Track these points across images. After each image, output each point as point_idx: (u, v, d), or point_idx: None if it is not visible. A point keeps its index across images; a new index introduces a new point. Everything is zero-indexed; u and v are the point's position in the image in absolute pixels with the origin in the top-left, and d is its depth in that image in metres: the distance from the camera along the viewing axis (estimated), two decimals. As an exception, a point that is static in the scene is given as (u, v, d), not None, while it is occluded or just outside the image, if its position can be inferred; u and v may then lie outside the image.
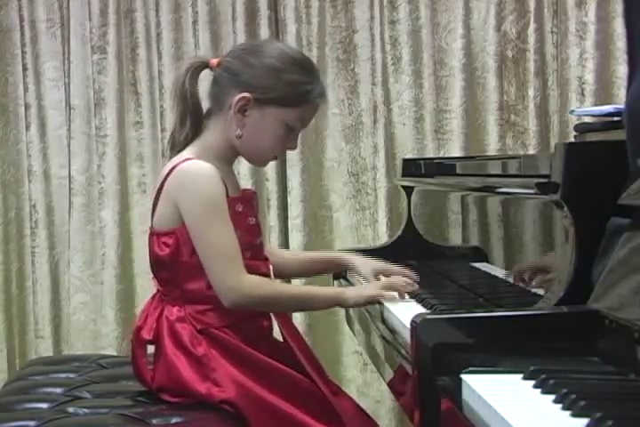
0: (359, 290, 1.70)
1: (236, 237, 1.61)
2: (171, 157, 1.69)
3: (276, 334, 1.73)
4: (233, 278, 1.57)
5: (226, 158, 1.70)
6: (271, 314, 1.69)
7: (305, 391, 1.62)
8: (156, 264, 1.68)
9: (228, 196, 1.62)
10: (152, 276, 1.71)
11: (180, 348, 1.61)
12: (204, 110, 1.72)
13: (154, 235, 1.66)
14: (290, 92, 1.64)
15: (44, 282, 3.06)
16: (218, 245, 1.58)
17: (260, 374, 1.60)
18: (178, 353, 1.61)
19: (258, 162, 1.82)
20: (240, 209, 1.65)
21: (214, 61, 1.69)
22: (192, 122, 1.68)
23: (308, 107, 1.67)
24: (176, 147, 1.69)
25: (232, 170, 1.76)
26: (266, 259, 1.74)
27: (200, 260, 1.59)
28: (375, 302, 1.65)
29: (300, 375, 1.63)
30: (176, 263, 1.63)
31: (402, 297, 1.66)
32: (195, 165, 1.61)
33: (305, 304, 1.75)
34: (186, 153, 1.66)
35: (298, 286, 1.74)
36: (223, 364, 1.59)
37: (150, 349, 1.68)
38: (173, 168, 1.62)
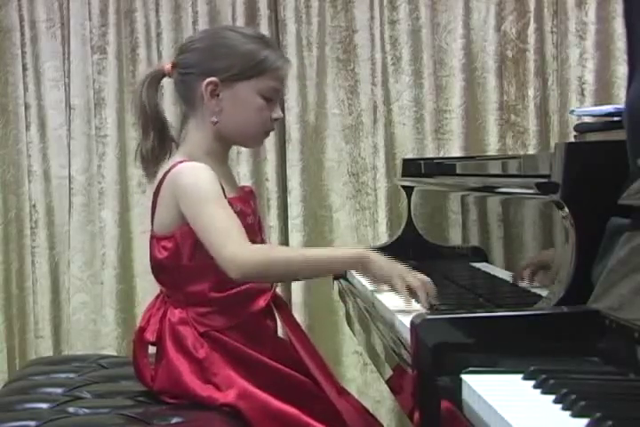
0: (390, 263, 1.57)
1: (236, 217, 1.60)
2: (145, 171, 1.71)
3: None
4: (233, 247, 1.54)
5: (217, 156, 1.70)
6: (275, 314, 1.69)
7: (308, 393, 1.62)
8: (157, 268, 1.67)
9: (225, 196, 1.62)
10: (154, 278, 1.71)
11: (181, 351, 1.61)
12: (182, 115, 1.73)
13: (154, 238, 1.66)
14: (250, 62, 1.65)
15: (44, 282, 3.07)
16: (214, 222, 1.56)
17: (263, 376, 1.60)
18: (179, 356, 1.61)
19: (251, 142, 1.80)
20: (238, 209, 1.65)
21: (168, 66, 1.70)
22: (156, 134, 1.69)
23: (273, 72, 1.68)
24: (145, 160, 1.69)
25: (228, 169, 1.77)
26: None
27: (201, 262, 1.59)
28: (400, 282, 1.51)
29: (302, 377, 1.63)
30: (177, 267, 1.63)
31: (408, 301, 1.58)
32: (188, 165, 1.61)
33: (320, 266, 1.63)
34: (177, 157, 1.66)
35: (311, 248, 1.69)
36: (225, 367, 1.59)
37: (151, 349, 1.68)
38: (167, 172, 1.62)
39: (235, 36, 1.68)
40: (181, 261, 1.62)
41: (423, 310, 1.54)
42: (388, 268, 1.55)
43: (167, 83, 1.77)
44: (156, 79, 1.70)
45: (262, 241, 1.73)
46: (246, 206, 1.69)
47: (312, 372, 1.63)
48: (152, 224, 1.68)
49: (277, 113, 1.70)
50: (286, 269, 1.60)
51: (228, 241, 1.55)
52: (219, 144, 1.70)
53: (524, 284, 1.45)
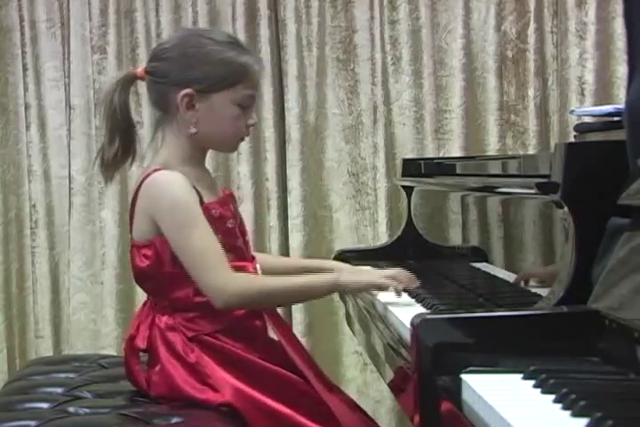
0: (358, 275, 1.67)
1: (217, 240, 1.59)
2: (104, 176, 1.70)
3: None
4: (220, 279, 1.55)
5: (194, 160, 1.68)
6: (263, 314, 1.68)
7: (301, 393, 1.61)
8: (140, 276, 1.67)
9: (203, 203, 1.61)
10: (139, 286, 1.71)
11: (174, 356, 1.61)
12: (155, 119, 1.72)
13: (134, 247, 1.65)
14: (225, 71, 1.63)
15: (43, 282, 3.07)
16: (198, 249, 1.56)
17: (255, 377, 1.60)
18: (173, 361, 1.61)
19: (227, 148, 1.81)
20: (217, 214, 1.63)
21: (140, 71, 1.68)
22: (122, 139, 1.67)
23: (249, 79, 1.65)
24: (105, 165, 1.68)
25: (205, 171, 1.74)
26: (252, 258, 1.73)
27: (183, 268, 1.58)
28: (375, 289, 1.64)
29: (294, 376, 1.63)
30: (159, 274, 1.62)
31: (398, 293, 1.64)
32: (162, 176, 1.60)
33: (301, 296, 1.71)
34: (153, 164, 1.64)
35: (290, 277, 1.70)
36: (217, 370, 1.59)
37: (143, 355, 1.68)
38: (143, 180, 1.61)
39: (208, 43, 1.64)
40: (163, 268, 1.61)
41: (422, 309, 1.54)
42: (361, 281, 1.64)
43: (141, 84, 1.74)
44: (128, 83, 1.68)
45: (245, 243, 1.72)
46: (225, 210, 1.67)
47: (302, 370, 1.63)
48: (131, 232, 1.67)
49: (252, 119, 1.68)
50: (268, 298, 1.64)
51: (211, 274, 1.56)
52: (195, 149, 1.68)
53: (523, 284, 1.45)
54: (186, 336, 1.61)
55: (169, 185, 1.59)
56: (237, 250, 1.67)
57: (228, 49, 1.64)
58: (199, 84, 1.62)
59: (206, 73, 1.62)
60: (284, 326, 1.72)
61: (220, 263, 1.57)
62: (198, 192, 1.61)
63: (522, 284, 1.47)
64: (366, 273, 1.70)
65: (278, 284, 1.64)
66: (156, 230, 1.60)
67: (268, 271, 1.78)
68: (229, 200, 1.72)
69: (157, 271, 1.62)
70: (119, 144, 1.67)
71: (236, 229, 1.69)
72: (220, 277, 1.56)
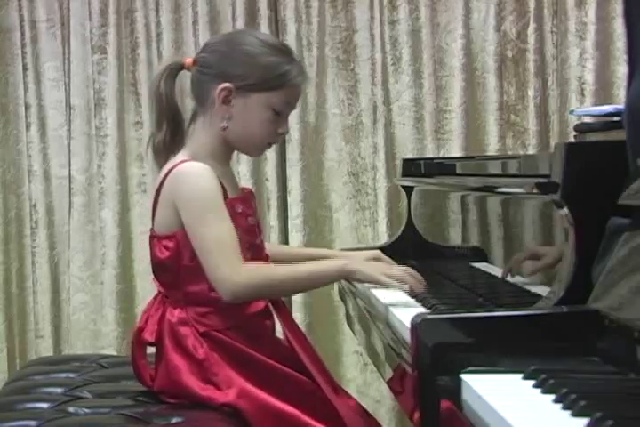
0: (370, 267, 1.63)
1: (237, 236, 1.60)
2: (156, 162, 1.70)
3: (279, 332, 1.73)
4: (230, 269, 1.56)
5: (221, 157, 1.70)
6: (273, 313, 1.69)
7: (307, 393, 1.61)
8: (158, 267, 1.67)
9: (227, 197, 1.62)
10: (153, 277, 1.71)
11: (180, 351, 1.61)
12: (192, 111, 1.72)
13: (154, 238, 1.66)
14: (268, 74, 1.64)
15: (44, 282, 3.06)
16: (213, 239, 1.57)
17: (262, 376, 1.60)
18: (178, 357, 1.61)
19: (253, 151, 1.79)
20: (240, 210, 1.65)
21: (189, 60, 1.69)
22: (169, 126, 1.67)
23: (290, 87, 1.67)
24: (156, 151, 1.69)
25: (230, 170, 1.76)
26: (267, 257, 1.74)
27: (199, 260, 1.59)
28: (379, 284, 1.61)
29: (302, 376, 1.63)
30: (177, 266, 1.62)
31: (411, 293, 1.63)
32: (190, 167, 1.61)
33: (310, 282, 1.69)
34: (180, 155, 1.65)
35: (297, 264, 1.69)
36: (224, 367, 1.59)
37: (150, 349, 1.68)
38: (169, 171, 1.62)
39: (258, 44, 1.66)
40: (182, 261, 1.61)
41: (422, 309, 1.54)
42: (371, 271, 1.61)
43: (182, 76, 1.74)
44: (175, 70, 1.69)
45: (262, 242, 1.73)
46: (247, 207, 1.69)
47: (310, 371, 1.63)
48: (152, 223, 1.67)
49: (284, 128, 1.70)
50: (278, 289, 1.65)
51: (222, 265, 1.56)
52: (223, 146, 1.70)
53: (523, 284, 1.45)
54: (197, 331, 1.61)
55: (195, 175, 1.60)
56: (255, 248, 1.69)
57: (277, 54, 1.66)
58: (240, 80, 1.63)
59: (249, 72, 1.64)
60: (295, 327, 1.72)
61: (231, 254, 1.57)
62: (223, 187, 1.62)
63: (508, 276, 1.47)
64: (374, 266, 1.68)
65: (285, 272, 1.63)
66: (179, 223, 1.60)
67: (278, 262, 1.78)
68: (251, 198, 1.75)
69: (176, 264, 1.62)
70: (167, 130, 1.67)
71: (255, 226, 1.70)
72: (230, 267, 1.56)
